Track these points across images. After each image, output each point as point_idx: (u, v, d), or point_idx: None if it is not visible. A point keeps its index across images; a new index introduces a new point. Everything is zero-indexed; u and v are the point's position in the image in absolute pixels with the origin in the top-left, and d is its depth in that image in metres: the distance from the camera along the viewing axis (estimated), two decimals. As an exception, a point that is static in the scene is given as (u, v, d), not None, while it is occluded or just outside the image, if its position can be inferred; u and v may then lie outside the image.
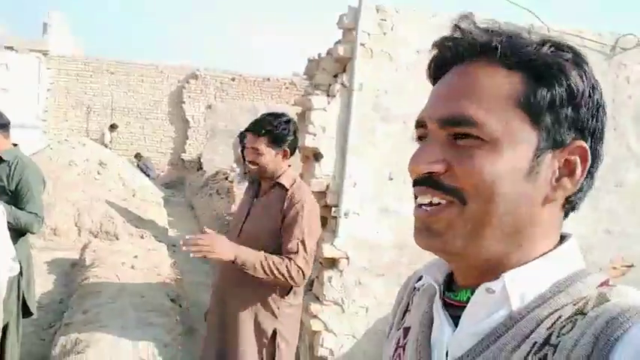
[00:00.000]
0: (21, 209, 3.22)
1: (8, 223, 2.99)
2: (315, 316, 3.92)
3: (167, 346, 3.75)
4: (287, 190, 2.57)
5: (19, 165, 3.27)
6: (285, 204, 2.53)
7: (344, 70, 3.88)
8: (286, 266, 2.44)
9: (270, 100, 16.12)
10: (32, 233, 3.35)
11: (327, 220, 3.93)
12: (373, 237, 3.90)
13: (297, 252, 2.45)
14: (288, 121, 2.65)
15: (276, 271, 2.42)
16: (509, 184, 0.65)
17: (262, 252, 2.45)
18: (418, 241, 0.70)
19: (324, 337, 3.93)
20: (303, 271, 2.46)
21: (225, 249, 2.38)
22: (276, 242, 2.52)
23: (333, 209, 3.88)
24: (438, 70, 0.75)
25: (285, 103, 15.02)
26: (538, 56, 0.66)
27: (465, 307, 0.70)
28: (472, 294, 0.69)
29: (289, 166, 2.69)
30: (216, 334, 2.64)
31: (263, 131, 2.58)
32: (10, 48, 14.43)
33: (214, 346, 2.64)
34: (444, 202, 0.67)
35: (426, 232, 0.69)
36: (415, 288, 0.87)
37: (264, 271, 2.41)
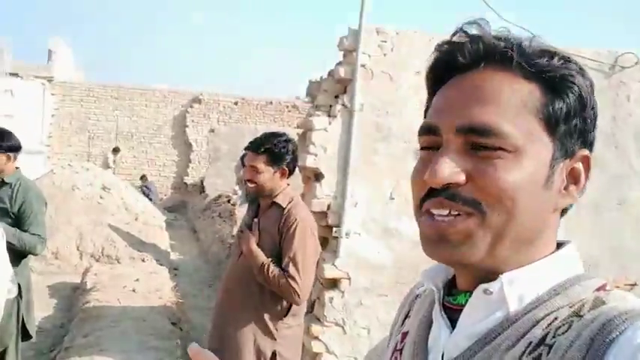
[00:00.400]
0: (24, 231, 3.23)
1: (12, 245, 3.00)
2: (316, 338, 3.87)
3: (168, 370, 3.72)
4: (284, 208, 2.57)
5: (21, 187, 3.30)
6: (281, 223, 2.54)
7: (345, 91, 3.90)
8: (282, 283, 2.46)
9: (272, 123, 16.20)
10: (35, 255, 3.35)
11: (328, 241, 3.92)
12: (375, 257, 3.87)
13: (290, 273, 2.47)
14: (288, 141, 2.66)
15: (271, 281, 2.47)
16: (528, 195, 0.64)
17: (269, 260, 2.52)
18: (430, 252, 0.67)
19: (325, 359, 3.88)
20: (297, 293, 2.47)
21: (249, 246, 2.58)
22: (277, 260, 2.52)
23: (335, 229, 3.86)
24: (444, 73, 0.71)
25: (287, 125, 15.10)
26: (551, 67, 0.66)
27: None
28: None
29: (288, 184, 2.69)
30: (217, 357, 2.62)
31: (262, 149, 2.59)
32: (15, 74, 14.61)
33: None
34: (462, 213, 0.65)
35: (442, 243, 0.65)
36: (417, 295, 0.87)
37: (263, 275, 2.48)
